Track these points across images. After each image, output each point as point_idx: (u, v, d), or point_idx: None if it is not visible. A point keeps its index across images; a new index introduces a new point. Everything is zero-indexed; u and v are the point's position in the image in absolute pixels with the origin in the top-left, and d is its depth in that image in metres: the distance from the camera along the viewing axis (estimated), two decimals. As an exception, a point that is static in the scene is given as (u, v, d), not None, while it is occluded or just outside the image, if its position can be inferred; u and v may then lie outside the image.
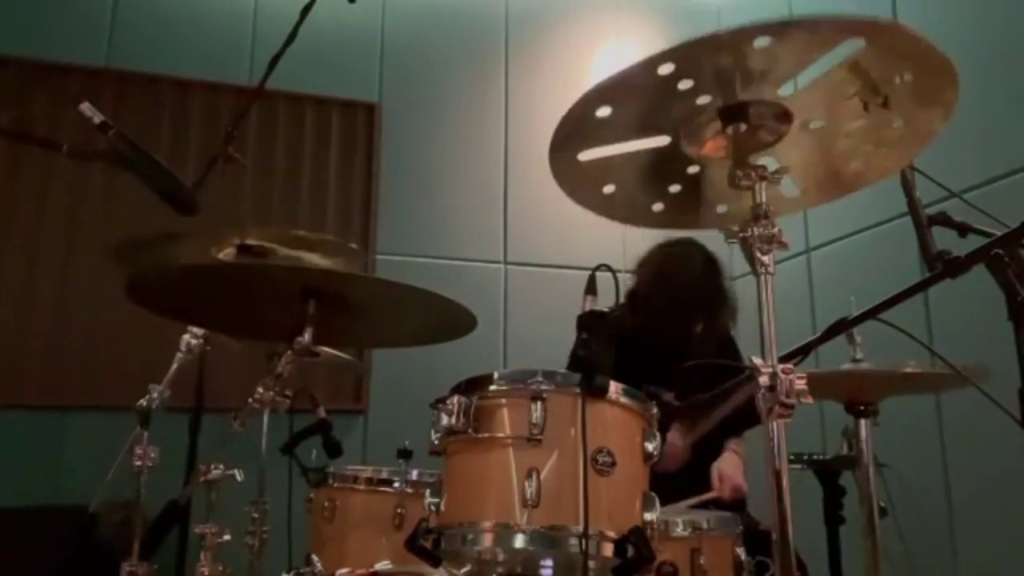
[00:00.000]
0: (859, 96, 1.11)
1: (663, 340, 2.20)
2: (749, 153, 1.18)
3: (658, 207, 1.33)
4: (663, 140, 1.21)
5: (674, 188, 1.30)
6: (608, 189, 1.28)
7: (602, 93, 1.09)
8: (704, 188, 1.30)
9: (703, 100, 1.13)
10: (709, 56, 1.05)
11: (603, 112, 1.12)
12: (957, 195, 1.54)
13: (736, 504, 2.21)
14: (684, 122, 1.18)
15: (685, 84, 1.09)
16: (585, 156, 1.21)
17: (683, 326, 2.26)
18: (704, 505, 2.03)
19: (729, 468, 2.19)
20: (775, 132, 1.18)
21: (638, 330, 2.18)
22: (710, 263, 2.33)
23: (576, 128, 1.15)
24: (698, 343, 2.28)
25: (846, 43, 1.01)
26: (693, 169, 1.27)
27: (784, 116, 1.16)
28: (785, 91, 1.12)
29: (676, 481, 2.11)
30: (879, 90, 1.09)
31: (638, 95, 1.12)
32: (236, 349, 1.97)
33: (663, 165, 1.26)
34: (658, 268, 2.32)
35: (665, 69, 1.05)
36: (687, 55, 1.03)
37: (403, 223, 3.76)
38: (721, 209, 1.33)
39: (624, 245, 2.43)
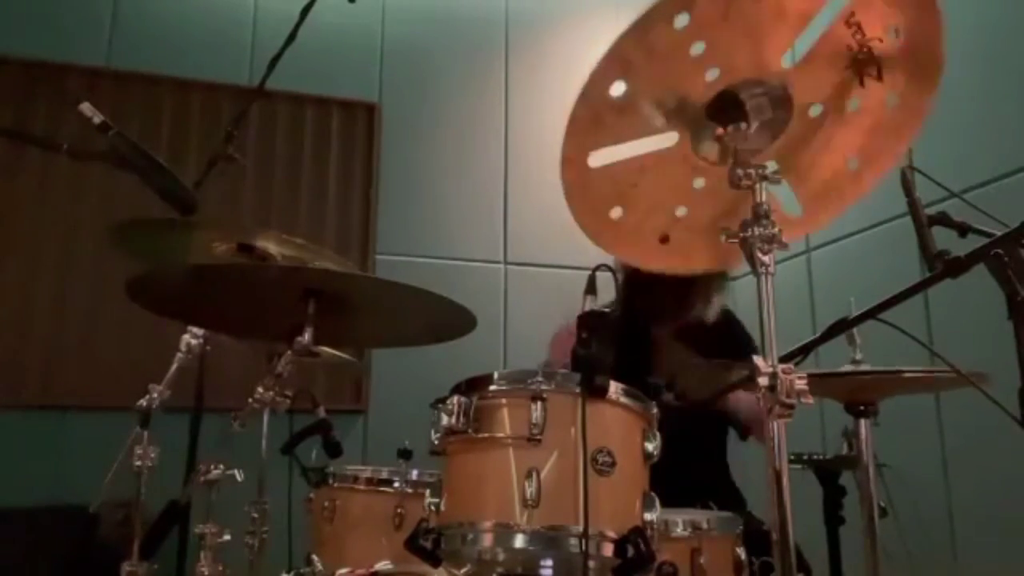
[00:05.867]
0: (854, 67, 1.13)
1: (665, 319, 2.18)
2: (750, 153, 1.19)
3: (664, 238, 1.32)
4: (672, 138, 1.22)
5: (680, 211, 1.30)
6: (616, 213, 1.27)
7: (619, 56, 1.08)
8: (708, 210, 1.30)
9: (711, 75, 1.13)
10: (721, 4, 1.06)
11: (618, 89, 1.11)
12: (957, 195, 1.54)
13: (736, 501, 2.20)
14: (691, 114, 1.18)
15: (697, 49, 1.09)
16: (596, 160, 1.21)
17: (683, 301, 2.23)
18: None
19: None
20: (775, 124, 1.18)
21: (638, 323, 2.16)
22: None
23: (590, 111, 1.14)
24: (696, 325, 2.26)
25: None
26: (699, 183, 1.27)
27: (784, 102, 1.16)
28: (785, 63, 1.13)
29: (676, 480, 2.10)
30: (871, 53, 1.11)
31: (651, 64, 1.11)
32: (233, 346, 1.97)
33: (670, 177, 1.25)
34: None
35: (681, 21, 1.05)
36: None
37: (403, 223, 3.76)
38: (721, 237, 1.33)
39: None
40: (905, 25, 1.08)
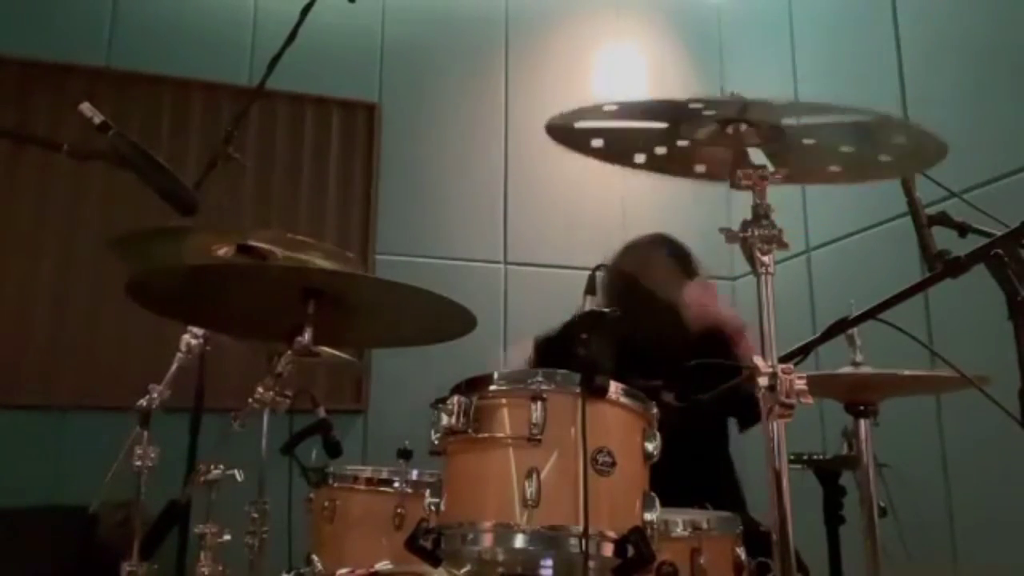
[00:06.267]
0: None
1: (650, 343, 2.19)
2: (740, 147, 1.21)
3: (641, 159, 1.36)
4: (661, 125, 1.24)
5: (660, 150, 1.33)
6: (596, 143, 1.31)
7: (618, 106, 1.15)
8: (689, 153, 1.35)
9: (709, 113, 1.18)
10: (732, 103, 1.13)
11: (611, 107, 1.17)
12: (957, 195, 1.54)
13: (735, 502, 2.19)
14: (685, 120, 1.21)
15: (697, 104, 1.15)
16: (582, 125, 1.25)
17: (657, 329, 2.23)
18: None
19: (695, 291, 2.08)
20: (766, 138, 1.21)
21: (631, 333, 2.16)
22: (675, 259, 2.30)
23: (582, 112, 1.21)
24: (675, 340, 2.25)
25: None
26: (683, 143, 1.29)
27: (780, 131, 1.21)
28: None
29: (676, 480, 2.10)
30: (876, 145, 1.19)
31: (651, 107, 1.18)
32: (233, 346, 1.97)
33: (654, 135, 1.29)
34: (622, 279, 2.31)
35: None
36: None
37: (403, 223, 3.76)
38: (700, 169, 1.36)
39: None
40: (912, 143, 1.14)
